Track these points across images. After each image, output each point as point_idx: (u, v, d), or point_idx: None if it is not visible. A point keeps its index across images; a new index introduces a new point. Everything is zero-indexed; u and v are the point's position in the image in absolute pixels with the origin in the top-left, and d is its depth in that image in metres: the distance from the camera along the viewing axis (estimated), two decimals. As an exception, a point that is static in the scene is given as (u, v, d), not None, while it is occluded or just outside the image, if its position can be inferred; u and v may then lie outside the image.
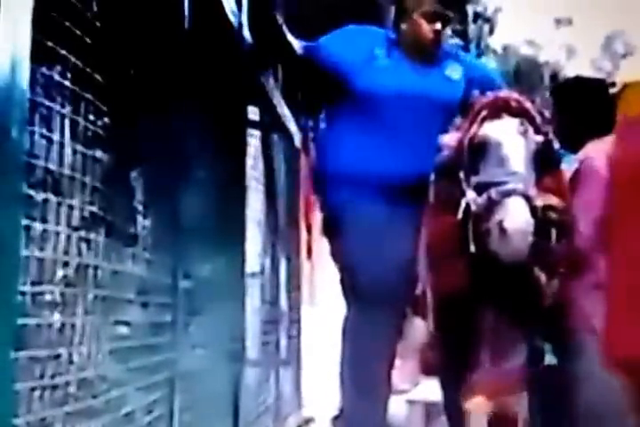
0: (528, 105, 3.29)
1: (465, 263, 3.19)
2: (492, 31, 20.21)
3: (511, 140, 3.13)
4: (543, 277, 3.24)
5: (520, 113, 3.22)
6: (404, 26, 3.82)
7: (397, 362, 7.26)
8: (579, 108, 3.56)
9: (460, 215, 3.13)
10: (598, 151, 3.38)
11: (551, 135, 3.30)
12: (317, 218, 7.19)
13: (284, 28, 4.10)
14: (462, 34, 19.02)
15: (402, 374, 8.17)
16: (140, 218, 3.38)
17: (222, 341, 4.29)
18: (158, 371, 3.39)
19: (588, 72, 19.76)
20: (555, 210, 3.18)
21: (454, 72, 3.81)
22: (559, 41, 21.49)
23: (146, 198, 3.39)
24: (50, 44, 2.47)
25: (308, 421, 6.09)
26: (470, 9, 19.16)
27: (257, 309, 5.09)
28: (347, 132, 3.81)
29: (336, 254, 4.06)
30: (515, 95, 3.32)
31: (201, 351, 3.89)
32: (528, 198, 3.00)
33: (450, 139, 3.45)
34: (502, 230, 2.94)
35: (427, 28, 3.76)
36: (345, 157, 3.81)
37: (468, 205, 3.12)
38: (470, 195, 3.11)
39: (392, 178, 3.70)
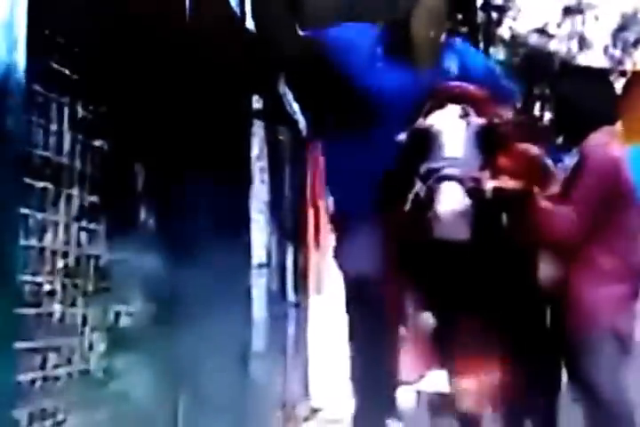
0: (472, 89, 3.32)
1: (425, 253, 3.24)
2: (500, 21, 20.13)
3: (451, 126, 3.21)
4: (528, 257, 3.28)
5: (463, 99, 3.27)
6: (400, 31, 3.80)
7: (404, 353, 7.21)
8: (580, 99, 3.54)
9: (408, 206, 3.20)
10: (599, 143, 3.37)
11: (502, 117, 3.33)
12: (324, 208, 7.19)
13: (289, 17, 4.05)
14: (470, 23, 18.92)
15: (409, 366, 8.16)
16: (142, 208, 3.37)
17: (228, 332, 4.28)
18: (162, 362, 3.38)
19: (598, 60, 19.65)
20: (506, 191, 3.20)
21: (452, 65, 3.80)
22: (569, 29, 21.40)
23: (148, 189, 3.38)
24: (47, 32, 2.46)
25: (316, 411, 6.10)
26: (479, -2, 19.12)
27: (264, 299, 5.07)
28: (352, 136, 3.78)
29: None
30: (458, 84, 3.37)
31: (206, 342, 3.88)
32: (462, 181, 3.03)
33: (402, 135, 3.48)
34: (437, 215, 3.00)
35: (422, 36, 3.75)
36: (349, 164, 3.78)
37: (415, 195, 3.18)
38: (417, 184, 3.17)
39: None
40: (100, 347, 2.82)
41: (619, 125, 3.64)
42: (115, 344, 2.92)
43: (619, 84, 5.23)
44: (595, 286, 3.30)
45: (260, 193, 5.09)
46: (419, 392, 4.96)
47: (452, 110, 3.26)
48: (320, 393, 6.30)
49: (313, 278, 6.64)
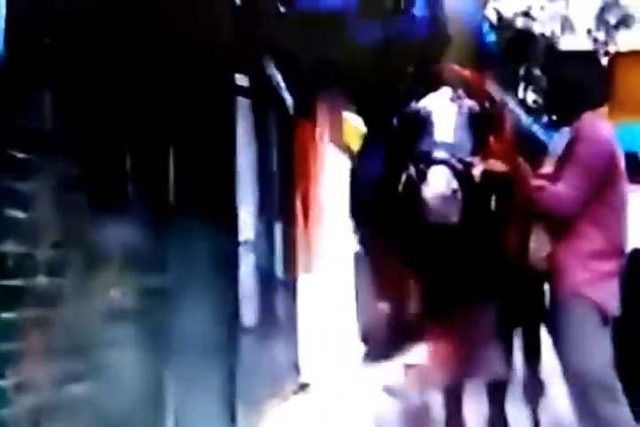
0: (465, 73, 3.34)
1: (416, 234, 3.28)
2: (485, 4, 20.15)
3: (441, 108, 3.23)
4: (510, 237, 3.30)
5: (456, 81, 3.28)
6: None
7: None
8: (571, 81, 3.57)
9: (400, 188, 3.23)
10: (590, 123, 3.40)
11: (494, 100, 3.34)
12: (312, 185, 7.19)
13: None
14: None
15: (397, 340, 8.21)
16: (130, 184, 3.37)
17: (217, 308, 4.29)
18: (151, 337, 3.39)
19: (582, 43, 19.76)
20: (496, 174, 3.22)
21: (419, 10, 3.81)
22: (553, 12, 21.48)
23: (136, 165, 3.38)
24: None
25: (304, 386, 6.11)
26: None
27: (252, 276, 5.08)
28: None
29: None
30: (449, 66, 3.38)
31: (194, 317, 3.89)
32: (451, 165, 3.06)
33: (395, 117, 3.51)
34: (425, 198, 3.02)
35: None
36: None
37: (408, 177, 3.21)
38: (410, 167, 3.20)
39: None
40: (90, 319, 2.83)
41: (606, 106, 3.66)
42: (101, 317, 2.93)
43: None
44: (581, 261, 3.33)
45: (247, 170, 5.09)
46: (406, 366, 5.01)
47: (444, 93, 3.26)
48: (309, 369, 6.32)
49: (302, 256, 6.64)
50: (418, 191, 3.08)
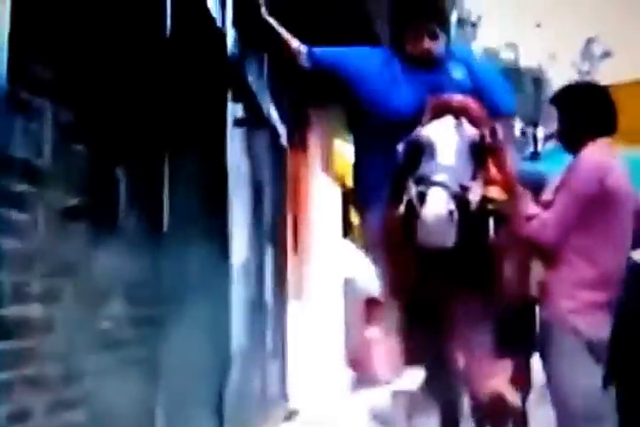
0: (469, 102, 3.41)
1: (412, 256, 3.30)
2: (474, 36, 20.40)
3: (444, 135, 3.32)
4: (504, 267, 3.34)
5: (459, 111, 3.36)
6: (400, 45, 3.88)
7: (380, 353, 7.31)
8: (580, 111, 3.64)
9: (401, 210, 3.27)
10: (589, 150, 3.46)
11: (495, 131, 3.41)
12: (303, 213, 7.24)
13: (277, 24, 4.07)
14: (446, 37, 19.18)
15: (385, 365, 8.22)
16: (123, 213, 3.40)
17: (207, 334, 4.32)
18: (141, 363, 3.42)
19: (568, 74, 20.03)
20: (493, 202, 3.28)
21: (458, 72, 3.88)
22: (540, 45, 21.78)
23: (130, 193, 3.42)
24: (30, 37, 2.51)
25: (293, 413, 6.13)
26: (454, 14, 19.39)
27: (242, 302, 5.12)
28: (375, 154, 3.84)
29: None
30: (457, 97, 3.44)
31: (185, 344, 3.92)
32: (449, 188, 3.11)
33: (400, 145, 3.58)
34: (422, 219, 3.07)
35: (420, 45, 3.83)
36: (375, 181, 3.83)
37: (410, 201, 3.26)
38: (411, 190, 3.25)
39: None
40: (81, 348, 2.85)
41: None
42: (94, 345, 2.96)
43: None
44: (566, 289, 3.37)
45: (240, 197, 5.13)
46: (395, 392, 5.04)
47: (447, 121, 3.35)
48: (298, 395, 6.34)
49: (292, 282, 6.68)
50: (416, 213, 3.12)
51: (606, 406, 3.36)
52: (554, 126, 3.91)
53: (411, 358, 3.65)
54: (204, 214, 4.36)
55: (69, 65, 2.81)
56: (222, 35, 4.66)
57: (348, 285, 8.53)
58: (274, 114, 5.93)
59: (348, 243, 9.07)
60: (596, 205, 3.38)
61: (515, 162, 3.68)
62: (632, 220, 3.48)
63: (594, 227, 3.39)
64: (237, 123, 4.97)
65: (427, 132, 3.35)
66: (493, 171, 3.36)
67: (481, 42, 20.97)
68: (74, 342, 2.80)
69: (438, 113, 3.40)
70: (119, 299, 3.24)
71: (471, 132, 3.32)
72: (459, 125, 3.33)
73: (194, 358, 4.04)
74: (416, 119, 3.57)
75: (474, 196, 3.20)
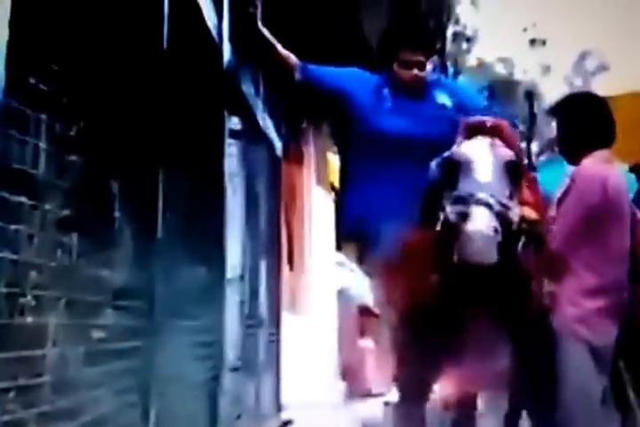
0: (502, 124, 3.45)
1: (441, 274, 3.30)
2: (469, 50, 20.55)
3: (480, 154, 3.34)
4: (533, 284, 3.36)
5: (493, 132, 3.40)
6: (388, 72, 3.94)
7: (373, 366, 7.31)
8: (578, 122, 3.67)
9: (438, 227, 3.27)
10: (590, 164, 3.49)
11: (525, 152, 3.44)
12: (298, 226, 7.25)
13: (272, 39, 4.11)
14: (441, 52, 19.31)
15: (378, 378, 8.21)
16: (117, 224, 3.41)
17: (201, 345, 4.32)
18: (134, 375, 3.42)
19: (561, 89, 20.15)
20: (527, 222, 3.31)
21: (445, 100, 3.94)
22: (533, 60, 21.93)
23: (124, 204, 3.43)
24: (27, 48, 2.53)
25: (287, 424, 6.13)
26: (450, 28, 19.54)
27: (236, 314, 5.12)
28: (362, 173, 3.87)
29: None
30: (491, 119, 3.48)
31: (179, 356, 3.92)
32: (491, 206, 3.12)
33: (434, 162, 3.61)
34: (466, 237, 3.07)
35: (407, 74, 3.89)
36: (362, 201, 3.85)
37: (445, 218, 3.26)
38: (448, 209, 3.25)
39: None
40: (74, 359, 2.86)
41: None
42: (87, 356, 2.96)
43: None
44: (571, 298, 3.40)
45: (234, 210, 5.15)
46: (386, 403, 5.03)
47: (482, 141, 3.39)
48: (292, 406, 6.34)
49: (286, 294, 6.69)
50: (456, 231, 3.13)
51: (607, 415, 3.39)
52: (547, 138, 3.97)
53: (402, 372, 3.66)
54: (199, 226, 4.37)
55: (66, 77, 2.82)
56: (219, 48, 4.68)
57: (342, 295, 8.54)
58: (269, 126, 5.95)
59: (342, 255, 9.09)
60: (598, 214, 3.42)
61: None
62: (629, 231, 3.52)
63: (596, 236, 3.43)
64: (233, 135, 4.99)
65: (462, 151, 3.39)
66: (526, 192, 3.40)
67: (474, 55, 21.12)
68: (67, 352, 2.81)
69: (472, 133, 3.44)
70: (112, 309, 3.24)
71: (505, 152, 3.36)
72: (493, 145, 3.37)
73: (187, 369, 4.05)
74: (402, 145, 3.63)
75: (514, 215, 3.23)
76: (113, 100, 3.22)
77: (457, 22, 19.83)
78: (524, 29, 21.43)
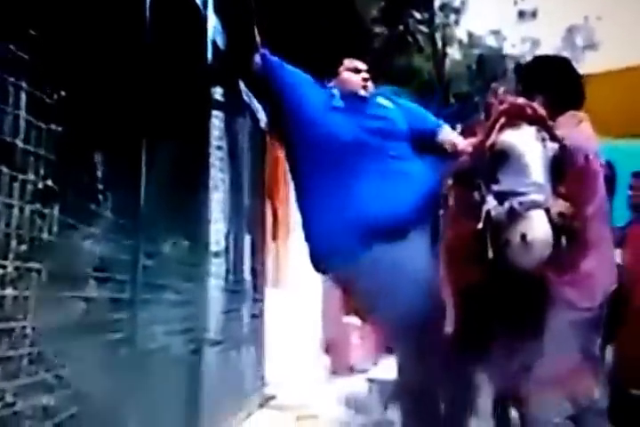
0: (542, 112, 3.30)
1: (482, 268, 3.23)
2: (457, 22, 20.43)
3: (531, 149, 3.17)
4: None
5: (536, 120, 3.25)
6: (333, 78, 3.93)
7: (357, 342, 7.31)
8: (545, 85, 3.61)
9: (481, 224, 3.16)
10: (568, 126, 3.45)
11: (563, 141, 3.33)
12: (283, 200, 7.21)
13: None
14: (429, 23, 19.23)
15: (362, 355, 8.23)
16: (100, 196, 3.37)
17: (183, 319, 4.30)
18: (116, 348, 3.39)
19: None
20: (564, 216, 3.23)
21: (387, 102, 3.92)
22: (523, 33, 21.81)
23: (107, 176, 3.38)
24: (6, 16, 2.47)
25: (270, 399, 6.13)
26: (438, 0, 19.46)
27: (220, 288, 5.10)
28: (317, 179, 3.74)
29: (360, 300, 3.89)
30: (528, 103, 3.34)
31: (161, 329, 3.90)
32: (548, 210, 3.04)
33: (466, 145, 3.50)
34: (525, 242, 2.97)
35: (353, 80, 3.88)
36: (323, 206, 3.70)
37: (488, 213, 3.15)
38: (491, 203, 3.15)
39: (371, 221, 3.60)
40: (54, 331, 2.83)
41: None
42: (68, 329, 2.93)
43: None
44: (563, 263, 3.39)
45: (218, 183, 5.11)
46: (371, 380, 5.04)
47: (529, 132, 3.23)
48: (275, 381, 6.34)
49: (270, 269, 6.67)
50: (504, 230, 3.05)
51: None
52: None
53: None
54: (182, 199, 4.33)
55: (46, 44, 2.77)
56: (204, 17, 4.63)
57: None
58: (253, 98, 5.89)
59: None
60: (582, 176, 3.40)
61: None
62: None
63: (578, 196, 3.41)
64: (217, 106, 4.94)
65: (509, 141, 3.21)
66: (561, 185, 3.29)
67: (464, 28, 21.00)
68: (48, 324, 2.78)
69: (514, 120, 3.26)
70: (94, 282, 3.21)
71: (553, 146, 3.23)
72: (544, 140, 3.22)
73: (169, 342, 4.02)
74: (351, 148, 3.53)
75: (554, 213, 3.13)
76: (95, 69, 3.17)
77: None
78: (515, 2, 21.34)
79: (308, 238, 3.70)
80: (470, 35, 20.56)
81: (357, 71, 3.93)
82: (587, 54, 20.95)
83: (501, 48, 20.97)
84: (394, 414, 4.01)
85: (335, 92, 3.85)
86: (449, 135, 3.86)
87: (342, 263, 3.54)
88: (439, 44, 19.11)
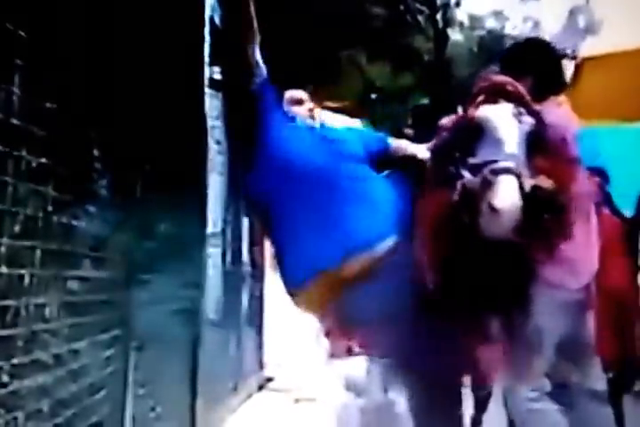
0: (521, 89, 3.33)
1: (459, 240, 3.22)
2: (458, 3, 20.30)
3: (506, 123, 3.20)
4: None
5: (514, 97, 3.28)
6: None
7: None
8: (526, 69, 3.61)
9: (456, 196, 3.16)
10: (549, 110, 3.45)
11: (542, 117, 3.34)
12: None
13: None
14: (430, 3, 19.10)
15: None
16: (95, 173, 3.35)
17: (181, 299, 4.29)
18: (112, 328, 3.38)
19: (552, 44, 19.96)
20: (544, 191, 3.22)
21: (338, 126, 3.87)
22: (525, 13, 21.68)
23: (102, 154, 3.36)
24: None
25: (269, 380, 6.13)
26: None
27: (218, 268, 5.08)
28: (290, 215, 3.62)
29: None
30: (509, 80, 3.36)
31: (158, 309, 3.88)
32: (519, 177, 3.03)
33: (447, 120, 3.49)
34: (491, 208, 2.98)
35: (300, 112, 3.81)
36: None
37: (464, 185, 3.16)
38: (467, 176, 3.15)
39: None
40: (50, 310, 2.81)
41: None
42: (63, 308, 2.92)
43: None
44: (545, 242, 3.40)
45: (216, 163, 5.08)
46: (370, 362, 5.01)
47: (506, 107, 3.23)
48: (274, 363, 6.34)
49: (270, 252, 6.65)
50: (477, 201, 3.01)
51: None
52: None
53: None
54: (179, 179, 4.31)
55: (40, 21, 2.74)
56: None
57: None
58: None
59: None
60: (562, 154, 3.41)
61: None
62: None
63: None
64: (214, 85, 4.91)
65: (485, 115, 3.23)
66: (540, 159, 3.28)
67: (465, 8, 20.84)
68: (42, 303, 2.76)
69: (491, 96, 3.27)
70: (89, 261, 3.19)
71: (529, 122, 3.24)
72: (520, 115, 3.23)
73: (167, 323, 4.01)
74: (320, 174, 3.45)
75: (528, 185, 3.10)
76: (90, 45, 3.14)
77: None
78: None
79: (282, 271, 3.62)
80: (471, 16, 20.40)
81: (300, 102, 3.85)
82: (589, 36, 20.85)
83: (503, 28, 20.80)
84: (394, 395, 3.99)
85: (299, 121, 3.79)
86: (399, 143, 3.83)
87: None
88: (440, 24, 19.00)
